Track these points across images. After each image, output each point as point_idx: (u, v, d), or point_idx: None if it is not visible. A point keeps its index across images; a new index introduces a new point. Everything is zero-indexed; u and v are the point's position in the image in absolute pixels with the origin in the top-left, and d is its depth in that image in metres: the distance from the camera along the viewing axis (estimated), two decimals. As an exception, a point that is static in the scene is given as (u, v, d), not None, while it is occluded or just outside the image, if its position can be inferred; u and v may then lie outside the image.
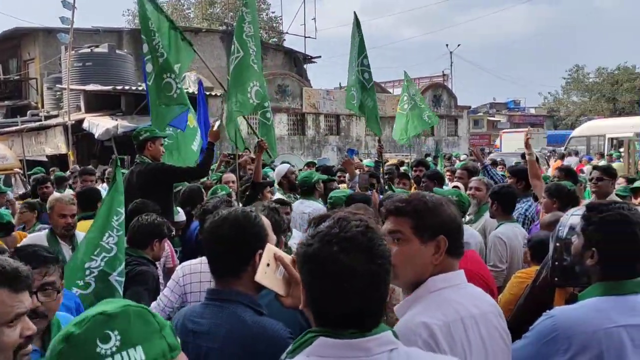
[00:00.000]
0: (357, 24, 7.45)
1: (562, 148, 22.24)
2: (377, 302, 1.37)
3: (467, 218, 5.09)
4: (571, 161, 16.23)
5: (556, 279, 2.47)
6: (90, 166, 11.03)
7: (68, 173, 10.79)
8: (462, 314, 1.72)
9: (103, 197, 5.41)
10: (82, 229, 4.39)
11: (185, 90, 6.28)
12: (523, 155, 8.09)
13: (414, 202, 1.83)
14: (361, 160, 14.44)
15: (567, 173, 6.17)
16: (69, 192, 7.33)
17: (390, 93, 28.79)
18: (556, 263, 2.46)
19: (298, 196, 6.25)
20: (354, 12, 7.46)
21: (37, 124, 20.50)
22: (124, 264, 3.35)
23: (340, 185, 7.12)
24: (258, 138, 6.27)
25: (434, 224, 1.79)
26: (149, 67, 6.08)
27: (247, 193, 5.60)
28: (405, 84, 9.64)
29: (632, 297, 2.05)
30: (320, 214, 1.49)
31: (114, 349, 1.09)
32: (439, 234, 1.79)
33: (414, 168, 8.23)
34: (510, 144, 26.49)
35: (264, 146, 6.04)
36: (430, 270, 1.79)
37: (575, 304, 2.12)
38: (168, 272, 4.19)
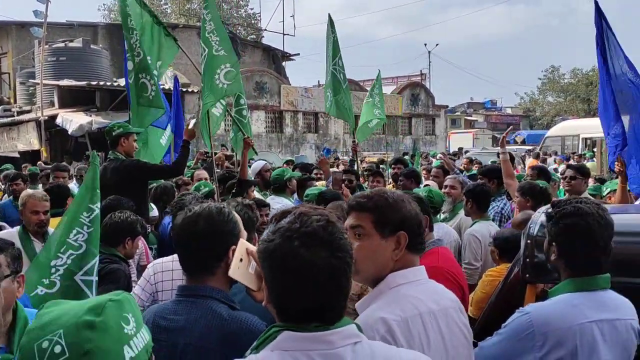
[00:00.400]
0: (331, 24, 7.49)
1: (538, 147, 22.57)
2: (338, 297, 1.37)
3: (442, 216, 5.13)
4: (551, 162, 16.50)
5: (527, 275, 2.51)
6: (63, 163, 10.86)
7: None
8: (420, 310, 1.74)
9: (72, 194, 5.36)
10: (52, 226, 4.34)
11: (162, 87, 6.22)
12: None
13: (375, 198, 1.86)
14: (338, 159, 14.51)
15: (540, 172, 6.26)
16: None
17: (369, 91, 28.87)
18: (527, 260, 2.50)
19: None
20: (329, 14, 7.52)
21: (9, 119, 20.15)
22: (95, 262, 3.26)
23: (317, 183, 7.13)
24: (244, 135, 6.30)
25: (394, 219, 1.82)
26: (129, 65, 6.02)
27: (234, 190, 5.59)
28: (375, 82, 9.75)
29: (602, 293, 2.08)
30: (282, 210, 1.48)
31: (134, 329, 1.20)
32: (399, 230, 1.81)
33: (392, 166, 8.28)
34: (457, 143, 29.22)
35: (250, 143, 6.06)
36: (391, 266, 1.81)
37: (548, 300, 2.15)
38: (142, 270, 4.14)
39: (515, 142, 30.29)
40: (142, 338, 1.22)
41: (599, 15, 5.02)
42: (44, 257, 3.20)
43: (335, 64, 7.46)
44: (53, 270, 3.10)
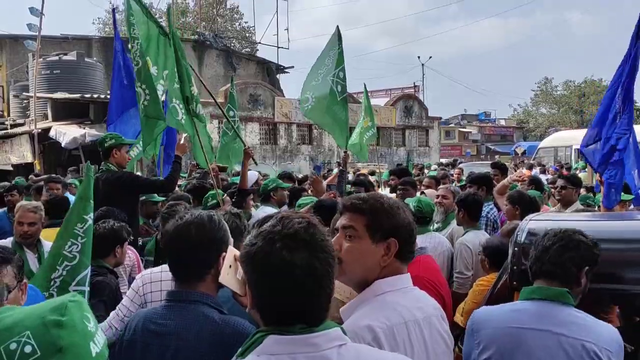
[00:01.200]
0: (338, 37, 7.50)
1: (531, 159, 22.71)
2: (320, 298, 1.37)
3: (435, 226, 5.15)
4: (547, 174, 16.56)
5: (515, 282, 2.53)
6: (57, 175, 10.82)
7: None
8: (406, 318, 1.75)
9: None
10: (46, 236, 4.35)
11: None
12: (493, 165, 8.25)
13: (370, 201, 1.86)
14: (331, 171, 14.52)
15: (532, 182, 6.31)
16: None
17: (361, 103, 28.96)
18: (515, 267, 2.52)
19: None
20: (337, 26, 7.51)
21: (3, 132, 20.07)
22: (87, 272, 3.25)
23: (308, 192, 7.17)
24: (244, 145, 6.33)
25: (387, 225, 1.82)
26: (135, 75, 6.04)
27: (234, 200, 5.61)
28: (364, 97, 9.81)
29: (553, 306, 2.10)
30: (265, 215, 1.50)
31: (95, 328, 1.25)
32: (390, 236, 1.81)
33: (390, 177, 8.32)
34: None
35: (251, 153, 6.08)
36: (378, 272, 1.81)
37: (500, 304, 2.26)
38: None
39: (516, 154, 30.66)
40: (101, 336, 1.27)
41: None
42: (43, 271, 3.22)
43: (335, 75, 7.43)
44: (52, 283, 3.12)
